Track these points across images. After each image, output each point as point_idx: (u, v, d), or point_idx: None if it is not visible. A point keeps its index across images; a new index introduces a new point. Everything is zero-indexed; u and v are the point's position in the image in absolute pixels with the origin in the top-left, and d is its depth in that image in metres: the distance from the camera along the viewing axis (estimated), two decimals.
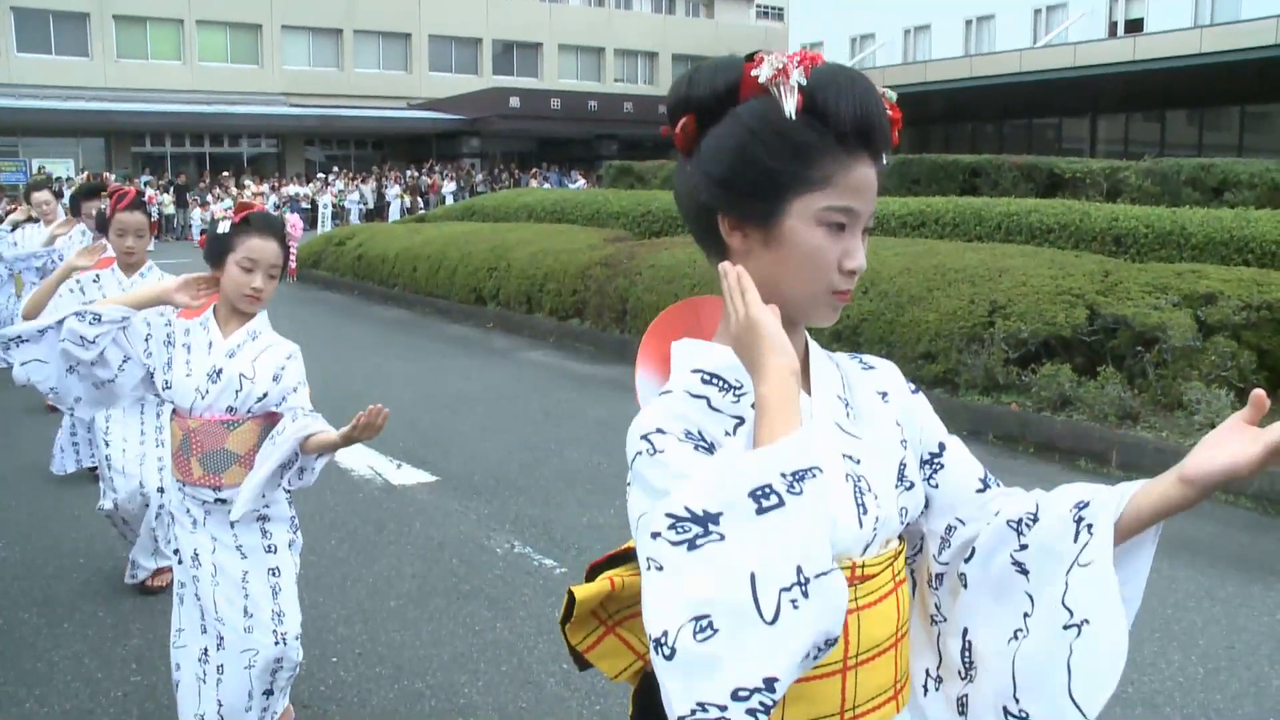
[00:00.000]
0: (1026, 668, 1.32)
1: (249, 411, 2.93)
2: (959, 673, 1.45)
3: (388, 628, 4.14)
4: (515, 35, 45.57)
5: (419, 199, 34.52)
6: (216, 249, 2.89)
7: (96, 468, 5.82)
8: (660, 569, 1.08)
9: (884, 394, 1.47)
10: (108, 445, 4.46)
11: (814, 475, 1.10)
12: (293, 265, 3.04)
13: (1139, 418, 6.43)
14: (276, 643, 2.97)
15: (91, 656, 3.88)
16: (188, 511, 3.01)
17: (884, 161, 1.33)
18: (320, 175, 35.66)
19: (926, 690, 1.49)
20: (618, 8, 49.76)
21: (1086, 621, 1.25)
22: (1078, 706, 1.26)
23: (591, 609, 1.47)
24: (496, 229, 14.62)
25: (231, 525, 2.97)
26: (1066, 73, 27.47)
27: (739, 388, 1.28)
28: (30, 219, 8.56)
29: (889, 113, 1.29)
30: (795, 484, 1.08)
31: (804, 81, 1.24)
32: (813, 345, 1.42)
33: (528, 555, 4.86)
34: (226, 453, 2.93)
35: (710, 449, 1.22)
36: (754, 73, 1.27)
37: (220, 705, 2.98)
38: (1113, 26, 31.56)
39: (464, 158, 39.85)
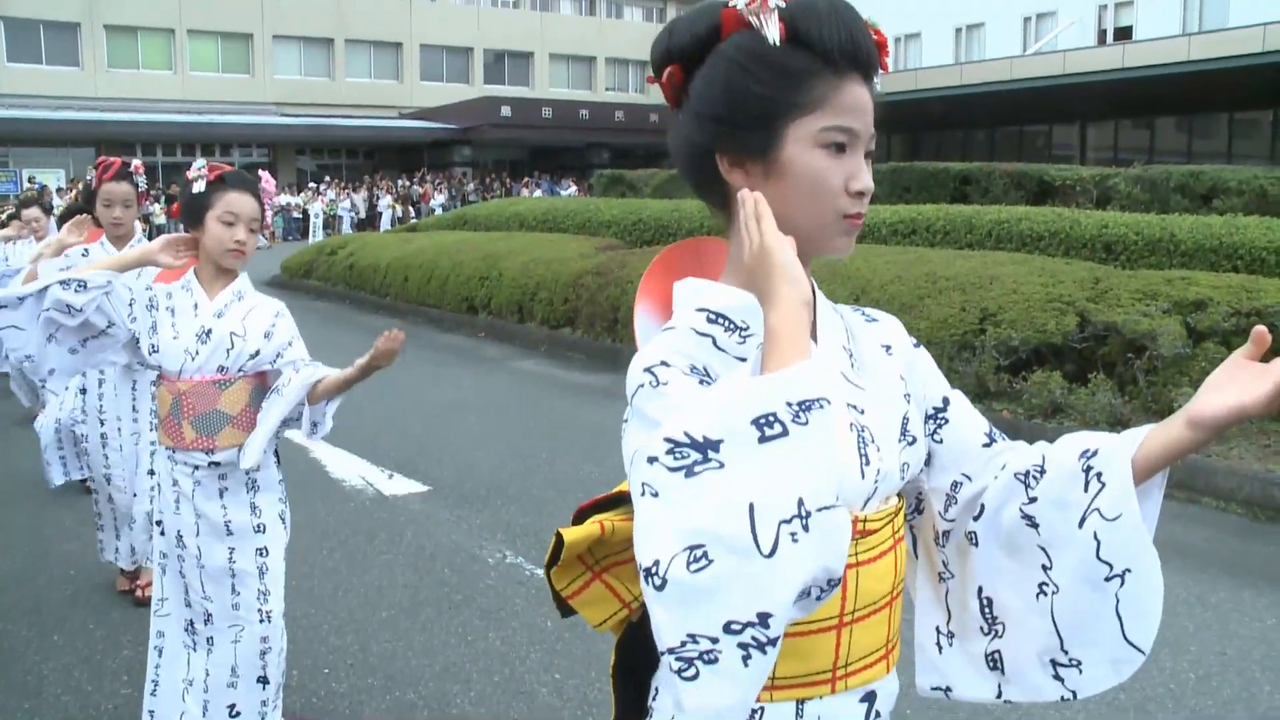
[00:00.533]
0: (1073, 620, 1.34)
1: (240, 370, 2.92)
2: (981, 629, 1.45)
3: (379, 638, 4.13)
4: (506, 44, 45.61)
5: (410, 208, 34.51)
6: (194, 208, 2.87)
7: (86, 479, 5.81)
8: (655, 495, 1.04)
9: (887, 347, 1.44)
10: (107, 462, 4.38)
11: (821, 406, 1.06)
12: (269, 223, 3.04)
13: (1130, 424, 6.43)
14: (261, 620, 2.97)
15: (82, 669, 3.86)
16: (175, 484, 2.98)
17: (875, 86, 1.30)
18: (311, 185, 35.65)
19: (941, 648, 1.50)
20: (609, 17, 49.83)
21: (1129, 570, 1.28)
22: (1135, 646, 1.31)
23: (579, 554, 1.41)
24: (488, 238, 14.63)
25: (220, 495, 2.95)
26: (1056, 80, 27.56)
27: (745, 328, 1.25)
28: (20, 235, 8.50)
29: (873, 36, 1.28)
30: (801, 414, 1.04)
31: (782, 5, 1.24)
32: (820, 294, 1.39)
33: (520, 565, 4.85)
34: (219, 414, 2.91)
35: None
36: (732, 2, 1.26)
37: (208, 674, 2.97)
38: (1102, 34, 31.73)
39: (456, 167, 39.87)
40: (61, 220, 6.50)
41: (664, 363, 1.18)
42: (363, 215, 33.95)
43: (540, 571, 4.74)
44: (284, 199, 32.96)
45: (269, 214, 2.99)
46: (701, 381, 1.18)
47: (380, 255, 15.49)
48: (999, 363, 7.02)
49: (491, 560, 4.92)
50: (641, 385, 1.18)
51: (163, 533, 3.03)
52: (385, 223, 32.44)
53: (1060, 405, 6.66)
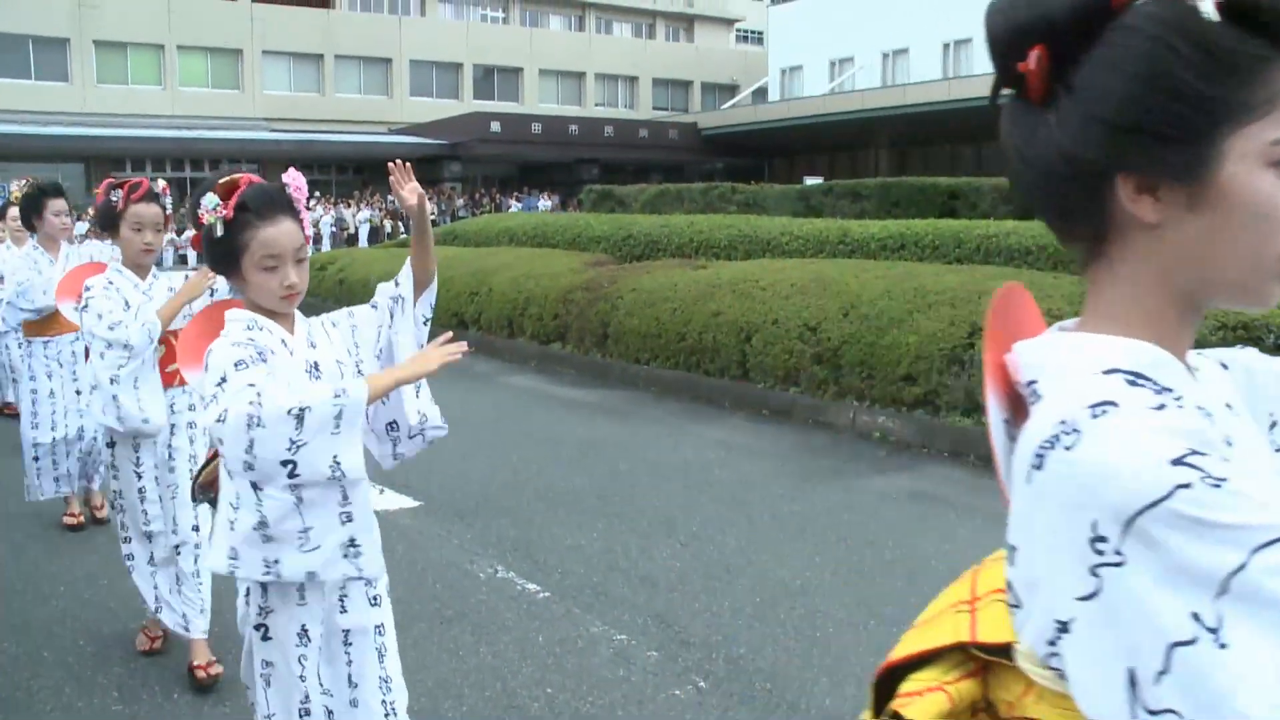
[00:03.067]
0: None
1: None
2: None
3: None
4: (496, 60, 45.78)
5: (399, 223, 34.51)
6: (224, 256, 2.35)
7: (69, 497, 5.81)
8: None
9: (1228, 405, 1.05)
10: (142, 496, 3.93)
11: None
12: (308, 233, 2.46)
13: None
14: (387, 715, 2.54)
15: (72, 685, 3.84)
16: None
17: None
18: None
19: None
20: (598, 32, 50.07)
21: None
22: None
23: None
24: (477, 253, 14.64)
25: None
26: None
27: (1171, 390, 0.90)
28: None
29: None
30: None
31: None
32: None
33: (511, 579, 4.85)
34: None
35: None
36: None
37: None
38: None
39: (445, 182, 39.92)
40: (32, 203, 5.92)
41: (1194, 452, 0.81)
42: (352, 230, 33.91)
43: (531, 586, 4.74)
44: None
45: (308, 225, 2.46)
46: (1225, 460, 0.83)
47: (370, 271, 15.47)
48: None
49: (483, 575, 4.92)
50: (1176, 489, 0.79)
51: (266, 637, 2.43)
52: (363, 239, 32.33)
53: None
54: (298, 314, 2.50)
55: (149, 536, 3.95)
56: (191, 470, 3.81)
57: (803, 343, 8.27)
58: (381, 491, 6.27)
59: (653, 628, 4.28)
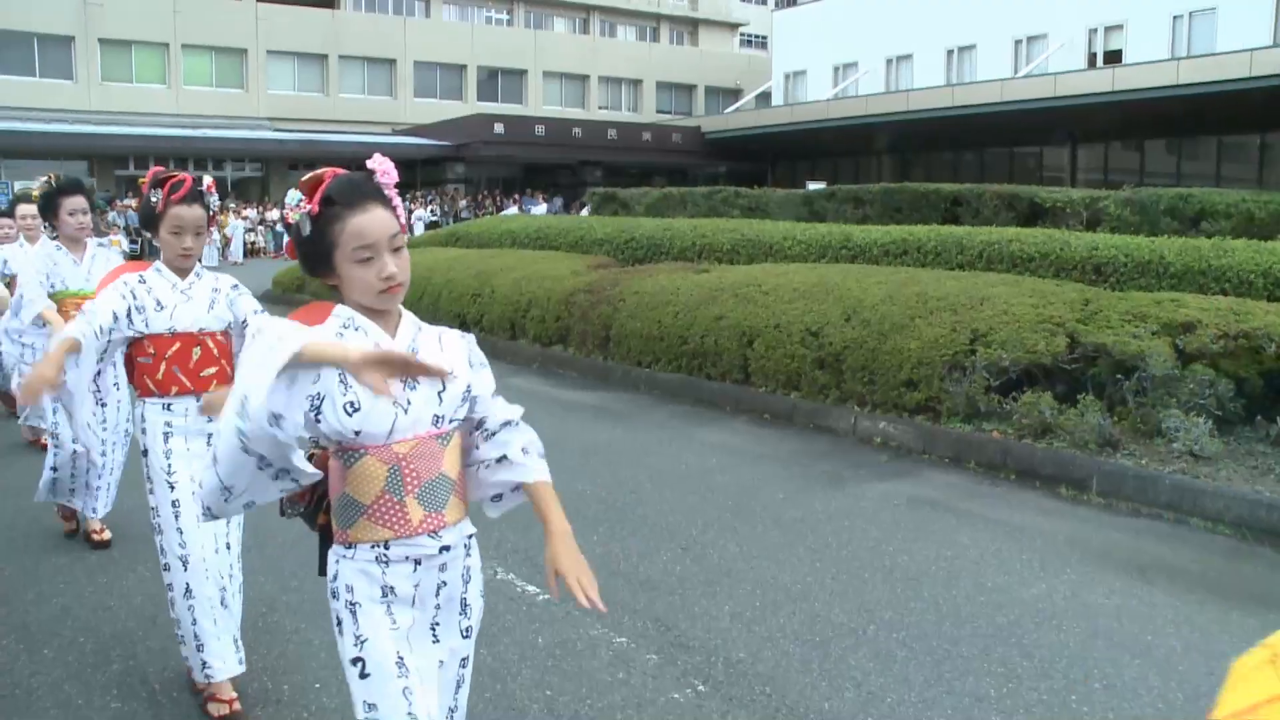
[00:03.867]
0: None
1: (453, 421, 2.27)
2: None
3: None
4: (500, 62, 45.78)
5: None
6: (317, 255, 2.18)
7: (61, 508, 5.60)
8: None
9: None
10: (178, 524, 3.59)
11: None
12: (404, 223, 2.27)
13: (1119, 445, 6.48)
14: None
15: (71, 683, 3.85)
16: (386, 594, 2.24)
17: None
18: None
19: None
20: (602, 35, 50.09)
21: None
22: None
23: None
24: (480, 255, 14.65)
25: (437, 593, 2.33)
26: (1047, 102, 27.80)
27: None
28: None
29: None
30: None
31: None
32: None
33: (510, 582, 4.85)
34: (444, 479, 2.26)
35: None
36: None
37: None
38: (1092, 57, 31.97)
39: (448, 183, 39.94)
40: (50, 201, 5.59)
41: None
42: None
43: (531, 589, 4.74)
44: (277, 213, 32.95)
45: (401, 212, 2.27)
46: None
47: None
48: (989, 383, 7.06)
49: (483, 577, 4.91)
50: None
51: (364, 673, 2.26)
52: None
53: (1050, 426, 6.69)
54: (410, 317, 2.28)
55: (184, 562, 3.60)
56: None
57: (804, 347, 8.27)
58: None
59: (652, 631, 4.28)
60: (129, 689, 3.80)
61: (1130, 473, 6.15)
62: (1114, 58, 30.82)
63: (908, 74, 37.43)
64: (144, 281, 3.63)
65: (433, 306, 13.32)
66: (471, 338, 2.38)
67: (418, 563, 2.25)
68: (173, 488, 3.58)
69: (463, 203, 38.18)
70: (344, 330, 2.18)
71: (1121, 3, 30.97)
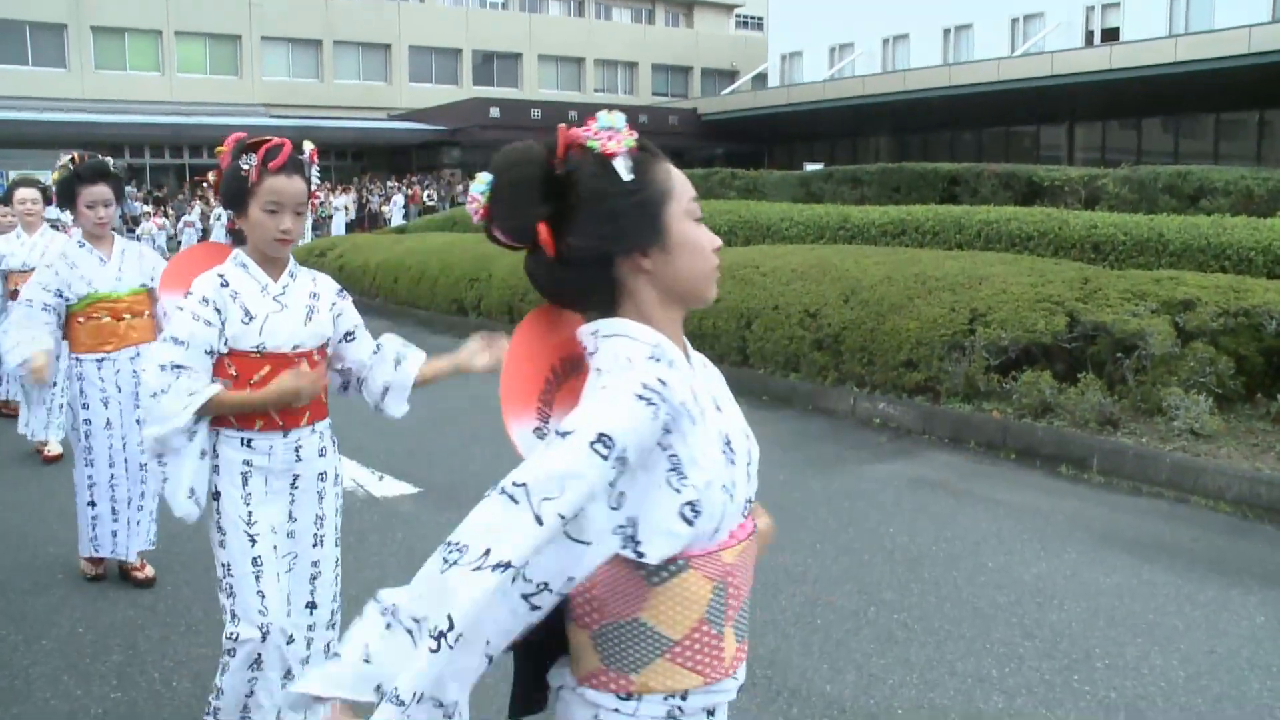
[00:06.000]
0: None
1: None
2: None
3: None
4: (495, 46, 45.62)
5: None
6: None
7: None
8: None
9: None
10: (255, 559, 2.89)
11: None
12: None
13: (1119, 424, 6.46)
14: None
15: (70, 673, 3.84)
16: None
17: None
18: None
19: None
20: (597, 18, 49.88)
21: None
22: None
23: None
24: (478, 240, 14.58)
25: None
26: (1044, 81, 27.70)
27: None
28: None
29: None
30: None
31: None
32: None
33: None
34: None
35: None
36: None
37: None
38: (1089, 35, 31.86)
39: (445, 168, 39.82)
40: (70, 186, 4.49)
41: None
42: (353, 217, 33.85)
43: None
44: None
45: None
46: None
47: (370, 257, 15.47)
48: (989, 362, 7.04)
49: None
50: None
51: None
52: (397, 218, 32.38)
53: (1050, 405, 6.68)
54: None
55: (263, 632, 2.90)
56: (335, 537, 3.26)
57: (803, 329, 8.24)
58: (381, 478, 6.27)
59: None
60: (129, 679, 3.79)
61: (1131, 451, 6.14)
62: (1111, 35, 30.70)
63: (904, 54, 37.30)
64: (226, 284, 2.83)
65: (430, 291, 13.29)
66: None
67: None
68: (254, 541, 2.89)
69: (460, 187, 38.06)
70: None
71: None
